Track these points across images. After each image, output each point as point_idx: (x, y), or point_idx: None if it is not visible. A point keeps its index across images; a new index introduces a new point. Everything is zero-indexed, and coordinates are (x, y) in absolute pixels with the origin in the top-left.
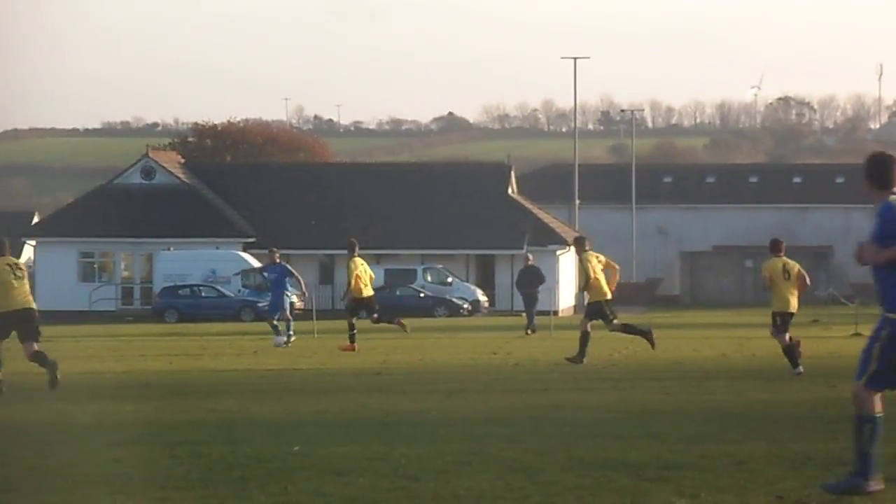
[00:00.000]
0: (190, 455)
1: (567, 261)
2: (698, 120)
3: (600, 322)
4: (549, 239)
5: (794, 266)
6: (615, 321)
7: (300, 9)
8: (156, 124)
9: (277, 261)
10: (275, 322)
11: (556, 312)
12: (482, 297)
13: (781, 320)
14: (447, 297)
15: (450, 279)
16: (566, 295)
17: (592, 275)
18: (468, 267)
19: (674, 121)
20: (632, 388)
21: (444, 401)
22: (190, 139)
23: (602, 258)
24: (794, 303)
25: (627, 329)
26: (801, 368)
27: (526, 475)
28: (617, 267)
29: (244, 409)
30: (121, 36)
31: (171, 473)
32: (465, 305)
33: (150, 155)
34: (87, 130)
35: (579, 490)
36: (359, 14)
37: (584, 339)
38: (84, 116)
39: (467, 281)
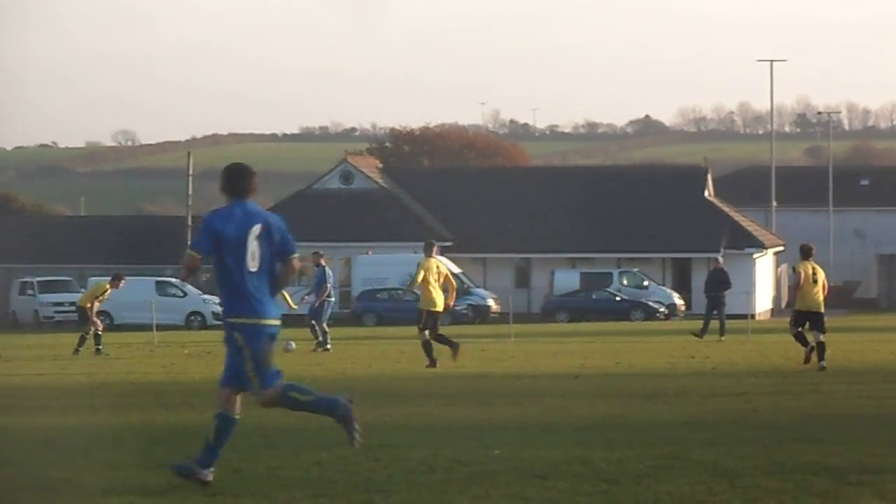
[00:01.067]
0: (391, 458)
1: (764, 264)
2: (895, 122)
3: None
4: (746, 242)
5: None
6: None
7: (495, 14)
8: (353, 129)
9: (322, 264)
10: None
11: (753, 316)
12: (679, 301)
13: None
14: (643, 300)
15: (646, 283)
16: (764, 299)
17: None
18: (664, 270)
19: (870, 123)
20: (831, 392)
21: (642, 404)
22: (387, 144)
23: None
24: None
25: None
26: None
27: (726, 479)
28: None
29: (444, 413)
30: (319, 42)
31: (373, 477)
32: (662, 309)
33: (349, 160)
34: (285, 135)
35: (780, 494)
36: (552, 18)
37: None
38: (283, 121)
39: (663, 284)
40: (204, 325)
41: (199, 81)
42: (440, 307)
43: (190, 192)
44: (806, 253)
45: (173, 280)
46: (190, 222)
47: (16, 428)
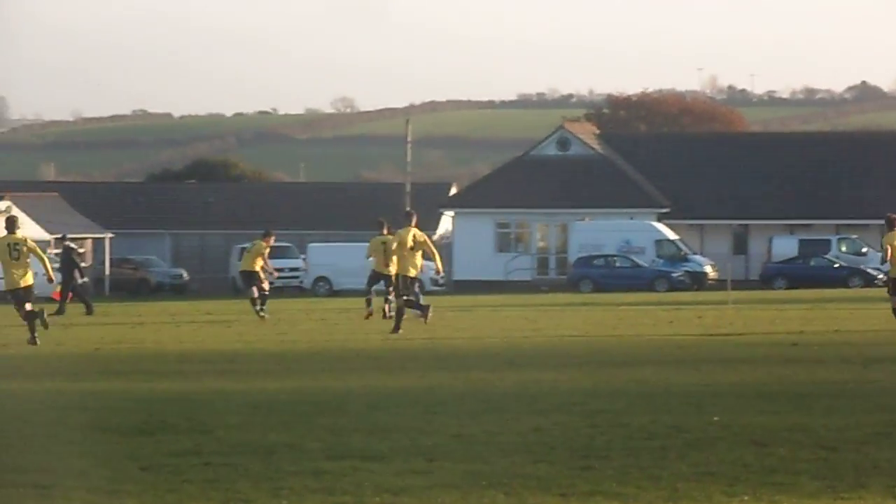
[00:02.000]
0: (610, 424)
1: None
2: None
3: None
4: None
5: None
6: None
7: None
8: (570, 95)
9: None
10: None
11: None
12: None
13: None
14: (862, 267)
15: (865, 249)
16: None
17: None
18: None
19: None
20: None
21: (861, 371)
22: (605, 110)
23: None
24: None
25: None
26: None
27: None
28: None
29: (662, 379)
30: (536, 8)
31: (592, 443)
32: (881, 276)
33: (566, 126)
34: (502, 102)
35: None
36: None
37: None
38: (500, 88)
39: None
40: (422, 291)
41: (417, 48)
42: (414, 273)
43: (408, 158)
44: (890, 224)
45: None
46: (408, 189)
47: (237, 392)
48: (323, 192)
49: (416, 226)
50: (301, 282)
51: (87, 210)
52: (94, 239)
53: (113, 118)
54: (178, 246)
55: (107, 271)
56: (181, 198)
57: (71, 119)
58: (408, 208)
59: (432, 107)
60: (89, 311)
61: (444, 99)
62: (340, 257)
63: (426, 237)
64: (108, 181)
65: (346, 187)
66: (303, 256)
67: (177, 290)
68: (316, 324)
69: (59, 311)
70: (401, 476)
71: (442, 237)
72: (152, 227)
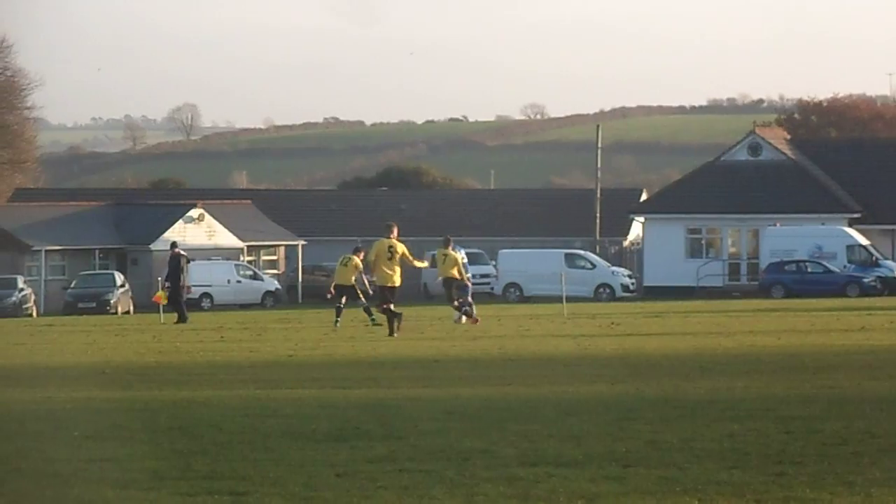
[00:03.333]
0: (804, 430)
1: None
2: None
3: None
4: None
5: None
6: None
7: None
8: (761, 101)
9: None
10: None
11: None
12: None
13: None
14: None
15: None
16: None
17: None
18: None
19: None
20: None
21: None
22: (795, 115)
23: None
24: None
25: None
26: None
27: None
28: None
29: (856, 385)
30: (719, 11)
31: (786, 449)
32: None
33: (757, 131)
34: (693, 108)
35: None
36: None
37: None
38: (690, 94)
39: None
40: (613, 298)
41: (606, 54)
42: (394, 283)
43: (599, 164)
44: None
45: (582, 252)
46: (598, 195)
47: (431, 398)
48: (513, 198)
49: (398, 237)
50: (492, 288)
51: (280, 218)
52: (286, 246)
53: (305, 126)
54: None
55: (299, 278)
56: (373, 205)
57: (263, 127)
58: (388, 221)
59: (622, 113)
60: (181, 320)
61: (634, 105)
62: (531, 263)
63: (404, 248)
64: (299, 189)
65: (536, 194)
66: (493, 263)
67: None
68: (507, 330)
69: (182, 320)
70: (595, 482)
71: (632, 243)
72: (344, 234)
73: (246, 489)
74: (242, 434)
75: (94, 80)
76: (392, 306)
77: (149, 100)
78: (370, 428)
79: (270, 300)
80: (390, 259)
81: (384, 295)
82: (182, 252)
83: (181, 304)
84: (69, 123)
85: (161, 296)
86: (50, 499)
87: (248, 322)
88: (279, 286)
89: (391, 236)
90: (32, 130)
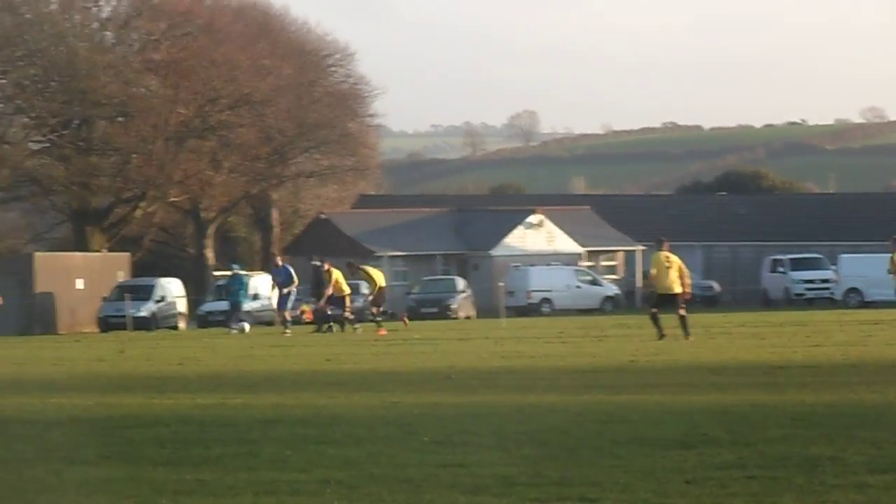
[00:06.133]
0: None
1: None
2: None
3: None
4: None
5: None
6: None
7: None
8: None
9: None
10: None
11: None
12: None
13: None
14: None
15: None
16: None
17: None
18: None
19: None
20: None
21: None
22: None
23: None
24: None
25: None
26: None
27: None
28: None
29: None
30: None
31: None
32: None
33: None
34: None
35: None
36: None
37: None
38: None
39: None
40: None
41: None
42: (673, 291)
43: None
44: None
45: None
46: None
47: (775, 404)
48: (853, 202)
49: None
50: (832, 293)
51: (618, 223)
52: (625, 252)
53: (643, 131)
54: (710, 258)
55: (637, 283)
56: (712, 210)
57: (601, 132)
58: (660, 237)
59: None
60: (320, 330)
61: None
62: (872, 268)
63: (680, 262)
64: (637, 194)
65: (876, 198)
66: (833, 268)
67: (707, 303)
68: (850, 336)
69: (343, 326)
70: None
71: None
72: (683, 239)
73: (596, 495)
74: (590, 440)
75: (435, 87)
76: (682, 311)
77: (488, 107)
78: (717, 434)
79: (610, 305)
80: (668, 268)
81: (659, 301)
82: (320, 264)
83: (326, 314)
84: (409, 131)
85: (307, 310)
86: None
87: (587, 327)
88: (618, 291)
89: (664, 249)
90: (374, 138)
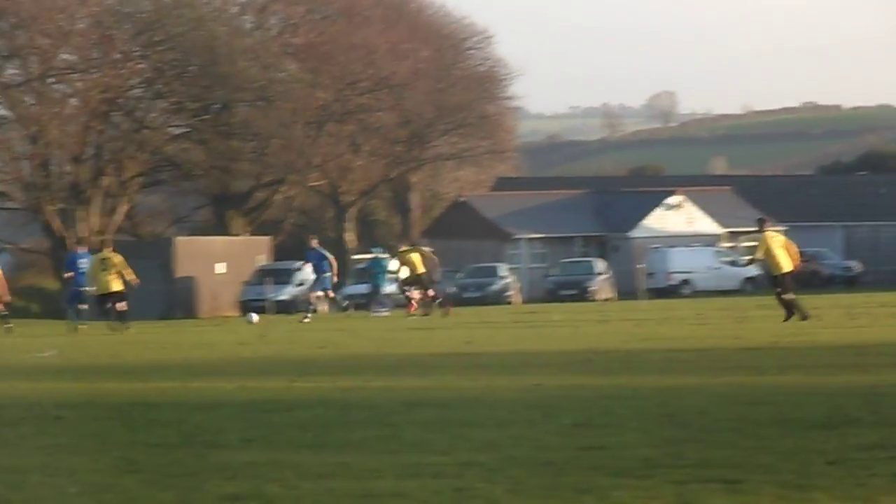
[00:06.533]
0: None
1: None
2: None
3: None
4: None
5: None
6: None
7: None
8: None
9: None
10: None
11: None
12: None
13: None
14: None
15: None
16: None
17: None
18: None
19: None
20: None
21: None
22: None
23: None
24: None
25: None
26: None
27: None
28: None
29: None
30: None
31: None
32: None
33: None
34: None
35: None
36: None
37: None
38: None
39: None
40: None
41: None
42: (781, 270)
43: None
44: None
45: None
46: None
47: None
48: None
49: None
50: None
51: (759, 203)
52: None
53: (783, 110)
54: (850, 238)
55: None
56: (853, 190)
57: (741, 112)
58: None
59: None
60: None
61: None
62: None
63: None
64: (778, 174)
65: None
66: None
67: (848, 283)
68: None
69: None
70: None
71: None
72: (824, 219)
73: (738, 477)
74: (731, 421)
75: (573, 68)
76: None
77: (627, 88)
78: (860, 415)
79: (750, 286)
80: (777, 248)
81: (781, 282)
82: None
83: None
84: (547, 112)
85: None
86: (542, 486)
87: (728, 308)
88: (760, 272)
89: (768, 229)
90: (512, 120)
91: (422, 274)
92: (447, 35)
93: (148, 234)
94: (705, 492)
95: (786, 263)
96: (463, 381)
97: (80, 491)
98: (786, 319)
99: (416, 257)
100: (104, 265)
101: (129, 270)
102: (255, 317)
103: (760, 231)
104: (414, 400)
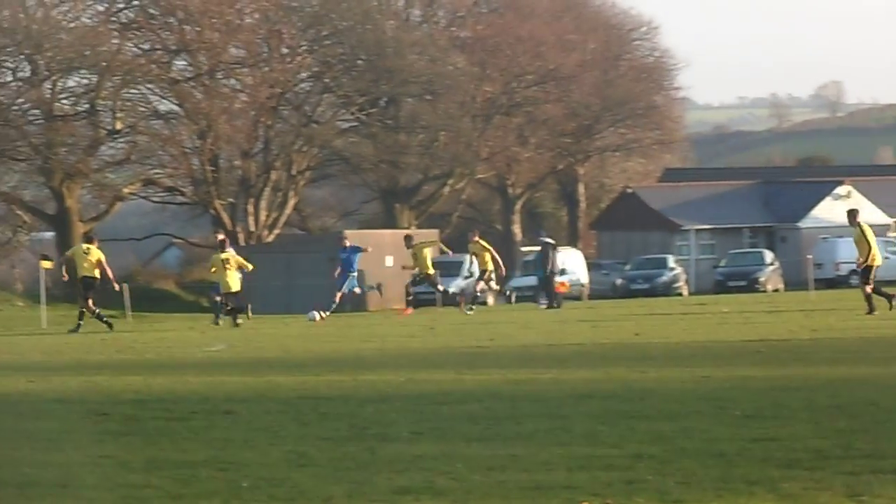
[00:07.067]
0: None
1: None
2: None
3: None
4: None
5: None
6: None
7: None
8: None
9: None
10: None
11: None
12: None
13: None
14: None
15: None
16: None
17: None
18: None
19: None
20: None
21: None
22: None
23: None
24: None
25: None
26: None
27: None
28: None
29: None
30: None
31: None
32: None
33: None
34: None
35: None
36: None
37: None
38: None
39: None
40: None
41: None
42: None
43: None
44: None
45: None
46: None
47: None
48: None
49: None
50: None
51: None
52: None
53: None
54: None
55: None
56: None
57: None
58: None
59: None
60: (551, 306)
61: None
62: None
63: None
64: None
65: None
66: None
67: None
68: None
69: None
70: None
71: None
72: None
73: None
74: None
75: (741, 59)
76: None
77: (795, 77)
78: None
79: None
80: (871, 240)
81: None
82: (551, 241)
83: (552, 291)
84: (715, 103)
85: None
86: (713, 478)
87: None
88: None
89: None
90: (680, 110)
91: (431, 275)
92: (614, 26)
93: (317, 228)
94: (877, 483)
95: (878, 257)
96: (632, 372)
97: (252, 485)
98: None
99: (427, 251)
100: (224, 264)
101: (245, 263)
102: (316, 315)
103: (853, 225)
104: (583, 392)
